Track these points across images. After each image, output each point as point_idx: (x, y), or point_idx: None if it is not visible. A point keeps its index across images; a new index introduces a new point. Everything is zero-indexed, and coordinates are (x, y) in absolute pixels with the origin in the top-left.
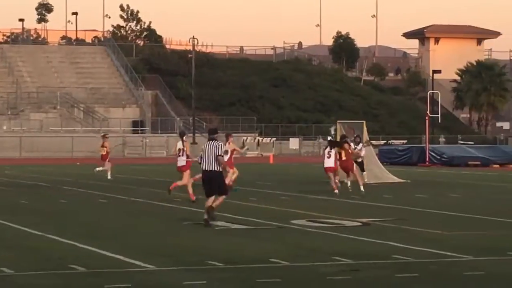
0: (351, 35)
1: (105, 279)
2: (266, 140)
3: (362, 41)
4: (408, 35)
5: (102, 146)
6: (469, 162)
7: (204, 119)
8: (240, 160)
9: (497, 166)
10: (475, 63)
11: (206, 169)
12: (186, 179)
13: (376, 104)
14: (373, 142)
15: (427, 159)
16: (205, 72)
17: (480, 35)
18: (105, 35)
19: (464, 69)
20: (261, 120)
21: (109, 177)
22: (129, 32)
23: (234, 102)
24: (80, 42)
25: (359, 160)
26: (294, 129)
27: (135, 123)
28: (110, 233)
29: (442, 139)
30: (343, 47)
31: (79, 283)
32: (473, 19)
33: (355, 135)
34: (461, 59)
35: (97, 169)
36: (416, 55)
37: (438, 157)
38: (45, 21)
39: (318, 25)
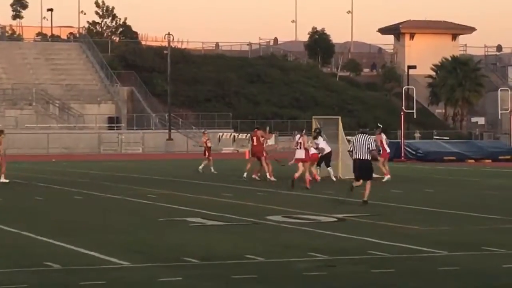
0: (327, 31)
1: (80, 276)
2: (242, 136)
3: (337, 37)
4: (383, 30)
5: None
6: (445, 158)
7: (180, 115)
8: (216, 156)
9: (472, 161)
10: (450, 59)
11: (358, 158)
12: (302, 169)
13: (352, 99)
14: (349, 138)
15: (402, 155)
16: (181, 68)
17: (455, 30)
18: (81, 31)
19: (439, 64)
20: (237, 116)
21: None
22: (104, 28)
23: (210, 98)
24: (55, 38)
25: (323, 153)
26: (270, 125)
27: (110, 120)
28: (85, 230)
29: (417, 135)
30: (319, 43)
31: (54, 280)
32: (448, 15)
33: (316, 128)
34: (436, 54)
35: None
36: (391, 51)
37: (414, 153)
38: (20, 17)
39: (293, 21)
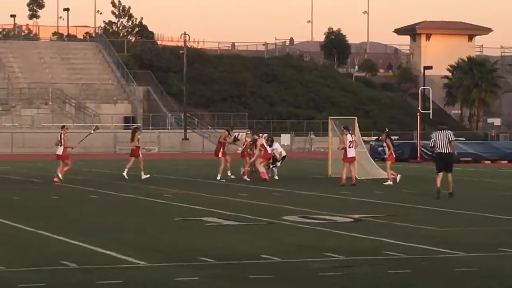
0: (343, 31)
1: (96, 275)
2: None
3: (353, 37)
4: (400, 31)
5: None
6: (461, 158)
7: (196, 115)
8: (232, 156)
9: (488, 162)
10: (466, 59)
11: (441, 151)
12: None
13: (368, 100)
14: (365, 138)
15: (418, 155)
16: (197, 68)
17: (471, 31)
18: (97, 31)
19: (455, 65)
20: (253, 116)
21: None
22: (120, 28)
23: (226, 98)
24: (71, 38)
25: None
26: (286, 125)
27: (126, 119)
28: (101, 229)
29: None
30: (335, 43)
31: (70, 279)
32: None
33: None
34: (452, 55)
35: None
36: (408, 51)
37: (430, 153)
38: (37, 17)
39: (309, 21)
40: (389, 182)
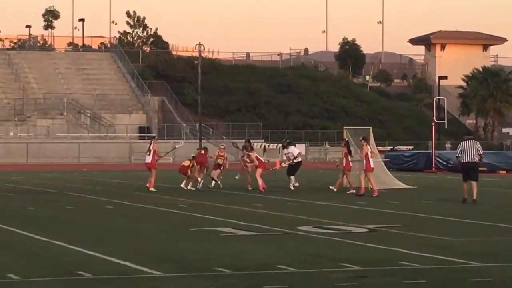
0: (357, 41)
1: (112, 285)
2: (273, 146)
3: (368, 47)
4: (414, 41)
5: None
6: None
7: (210, 125)
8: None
9: (504, 172)
10: (481, 69)
11: (468, 160)
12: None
13: (382, 110)
14: (379, 148)
15: (433, 165)
16: (212, 78)
17: (486, 41)
18: (112, 41)
19: (470, 75)
20: (267, 126)
21: None
22: (135, 38)
23: (240, 108)
24: (86, 48)
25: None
26: (300, 135)
27: (141, 129)
28: (116, 240)
29: (448, 145)
30: (349, 53)
31: None
32: (479, 25)
33: (285, 139)
34: (467, 65)
35: None
36: (422, 61)
37: (445, 163)
38: (52, 27)
39: (324, 31)
40: (352, 191)
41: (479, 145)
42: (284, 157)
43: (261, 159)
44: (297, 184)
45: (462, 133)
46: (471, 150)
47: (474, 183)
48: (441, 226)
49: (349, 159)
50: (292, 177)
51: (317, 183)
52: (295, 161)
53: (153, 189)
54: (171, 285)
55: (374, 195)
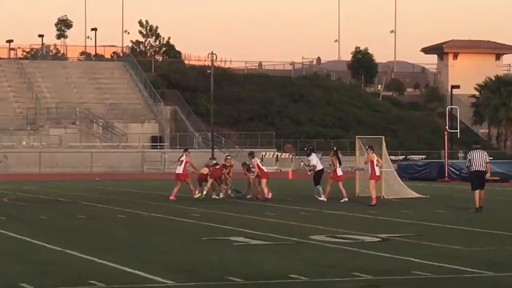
0: (370, 51)
1: None
2: (285, 155)
3: (380, 57)
4: (427, 50)
5: None
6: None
7: (223, 135)
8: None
9: None
10: (493, 78)
11: (477, 169)
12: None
13: (395, 119)
14: (392, 157)
15: (446, 175)
16: (224, 87)
17: (499, 50)
18: (124, 50)
19: (483, 84)
20: (280, 135)
21: None
22: (148, 47)
23: (253, 118)
24: (99, 57)
25: (314, 171)
26: (313, 144)
27: (154, 139)
28: (129, 249)
29: (461, 154)
30: (362, 62)
31: None
32: (491, 34)
33: (307, 146)
34: (480, 74)
35: None
36: (435, 71)
37: (457, 173)
38: (65, 37)
39: (336, 40)
40: (345, 199)
41: (486, 155)
42: (302, 164)
43: (263, 168)
44: (322, 198)
45: (474, 142)
46: (479, 159)
47: (482, 191)
48: (454, 236)
49: (338, 169)
50: (318, 187)
51: (329, 192)
52: (315, 169)
53: (198, 195)
54: None
55: (371, 204)
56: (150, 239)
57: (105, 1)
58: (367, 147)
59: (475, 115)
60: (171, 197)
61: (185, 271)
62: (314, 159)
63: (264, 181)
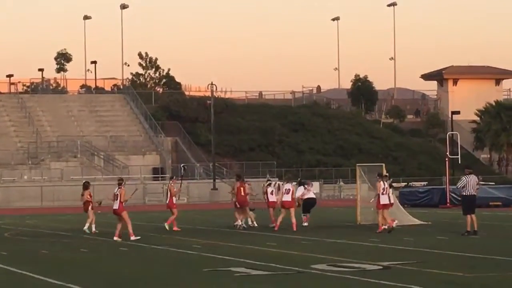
0: (370, 78)
1: None
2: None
3: (380, 84)
4: (427, 76)
5: None
6: (490, 203)
7: (224, 165)
8: (261, 205)
9: None
10: (494, 104)
11: (470, 194)
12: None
13: (396, 146)
14: (394, 184)
15: (448, 201)
16: (224, 117)
17: (499, 75)
18: (124, 83)
19: (483, 109)
20: (281, 164)
21: None
22: (148, 79)
23: (254, 147)
24: (99, 90)
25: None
26: (314, 173)
27: (155, 170)
28: (131, 282)
29: None
30: (362, 90)
31: None
32: (491, 60)
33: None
34: (480, 99)
35: None
36: (435, 97)
37: (459, 199)
38: (64, 70)
39: (336, 68)
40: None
41: (477, 179)
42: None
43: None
44: (305, 224)
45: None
46: (472, 183)
47: (473, 216)
48: (456, 262)
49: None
50: (304, 215)
51: (331, 221)
52: (300, 201)
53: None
54: None
55: (378, 231)
56: (152, 272)
57: (104, 34)
58: (377, 175)
59: (476, 140)
60: (174, 228)
61: None
62: (300, 192)
63: (271, 210)
